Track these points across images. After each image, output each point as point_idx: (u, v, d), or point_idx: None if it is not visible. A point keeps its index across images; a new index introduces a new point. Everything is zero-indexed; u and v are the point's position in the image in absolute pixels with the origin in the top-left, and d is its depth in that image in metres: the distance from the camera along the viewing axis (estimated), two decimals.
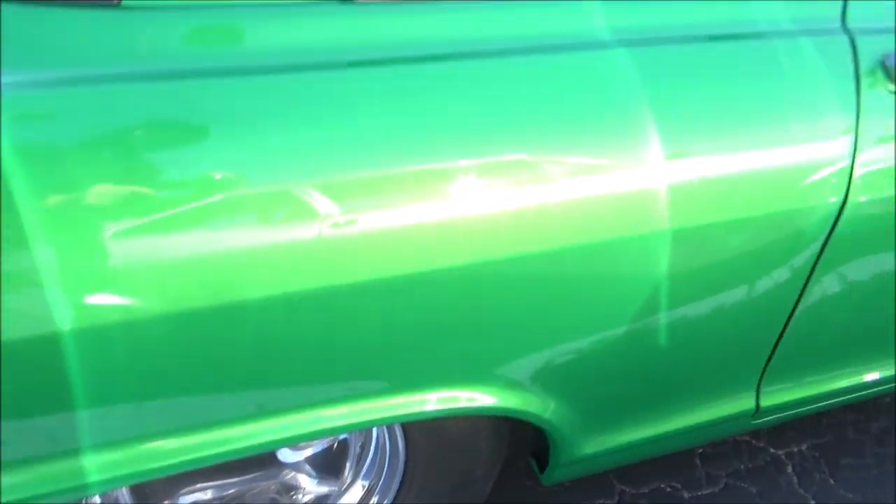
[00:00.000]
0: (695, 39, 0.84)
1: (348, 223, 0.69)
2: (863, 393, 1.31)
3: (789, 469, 1.51)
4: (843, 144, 0.91)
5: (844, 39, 0.91)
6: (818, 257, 1.00)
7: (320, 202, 0.68)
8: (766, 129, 0.87)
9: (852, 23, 0.92)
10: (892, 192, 0.97)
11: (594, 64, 0.79)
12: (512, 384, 0.87)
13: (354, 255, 0.70)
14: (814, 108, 0.89)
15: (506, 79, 0.75)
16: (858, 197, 0.95)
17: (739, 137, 0.86)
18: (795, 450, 1.57)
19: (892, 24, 0.95)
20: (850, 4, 0.93)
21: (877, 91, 0.92)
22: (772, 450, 1.56)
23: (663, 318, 0.93)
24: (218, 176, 0.64)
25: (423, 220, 0.72)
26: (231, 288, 0.66)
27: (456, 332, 0.80)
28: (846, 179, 0.93)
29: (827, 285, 1.04)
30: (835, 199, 0.94)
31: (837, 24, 0.92)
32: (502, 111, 0.75)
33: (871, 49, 0.92)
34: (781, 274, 0.99)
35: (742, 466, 1.51)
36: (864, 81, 0.91)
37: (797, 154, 0.90)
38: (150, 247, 0.64)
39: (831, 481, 1.49)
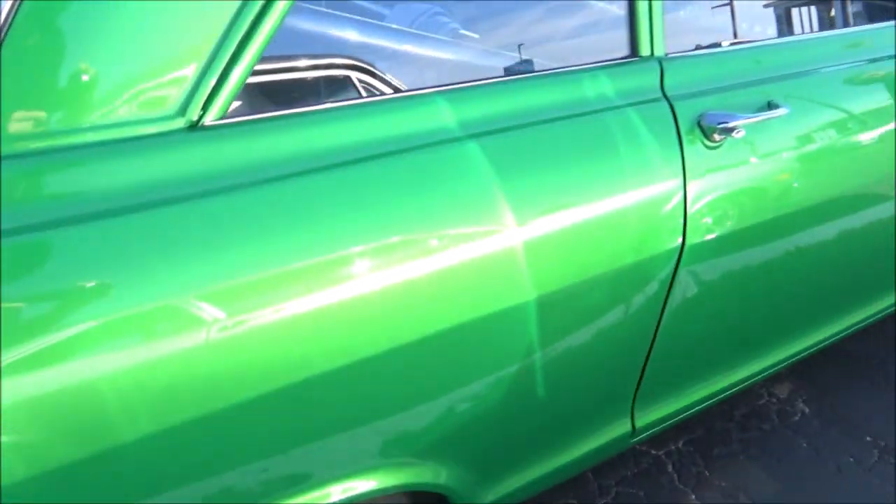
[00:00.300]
0: (536, 123, 0.92)
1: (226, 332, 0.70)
2: (731, 391, 1.47)
3: (669, 468, 1.66)
4: (675, 197, 1.03)
5: (665, 106, 1.03)
6: (668, 292, 1.12)
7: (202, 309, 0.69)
8: (608, 195, 0.97)
9: (670, 91, 1.05)
10: (720, 231, 1.11)
11: (447, 159, 0.85)
12: (403, 463, 0.91)
13: (235, 370, 0.72)
14: (646, 170, 1.00)
15: (364, 185, 0.80)
16: (694, 239, 1.08)
17: (586, 206, 0.95)
18: (673, 448, 1.72)
19: (704, 88, 1.08)
20: (667, 75, 1.05)
21: (697, 147, 1.04)
22: (653, 451, 1.70)
23: (535, 370, 1.00)
24: None
25: (297, 319, 0.75)
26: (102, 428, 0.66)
27: (341, 424, 0.83)
28: (681, 225, 1.05)
29: (680, 313, 1.17)
30: (676, 243, 1.06)
31: (658, 94, 1.04)
32: (363, 217, 0.79)
33: (688, 111, 1.04)
34: (639, 312, 1.10)
35: (629, 473, 1.64)
36: (686, 140, 1.03)
37: (638, 212, 1.00)
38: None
39: (706, 473, 1.65)
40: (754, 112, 1.10)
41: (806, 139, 1.17)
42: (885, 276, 1.63)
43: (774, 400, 1.89)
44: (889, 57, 1.34)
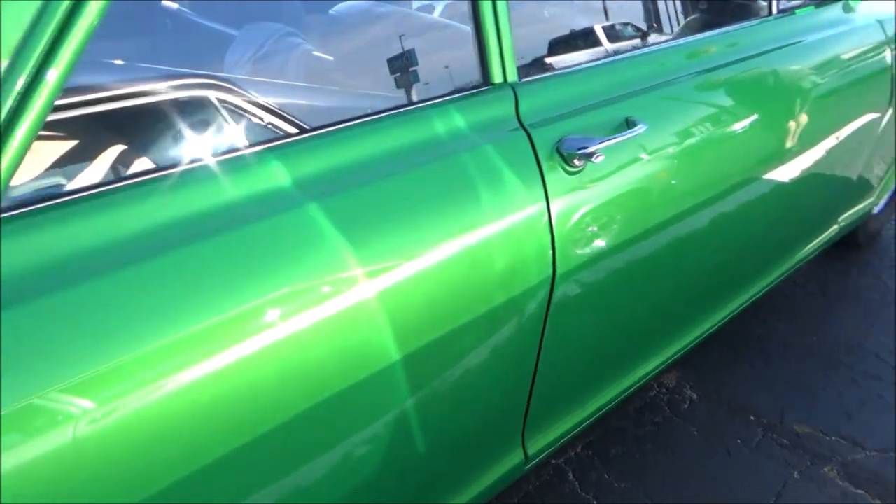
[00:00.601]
0: (383, 174, 0.85)
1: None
2: (623, 396, 1.47)
3: (570, 476, 1.66)
4: (541, 228, 1.00)
5: (522, 135, 0.99)
6: (545, 321, 1.09)
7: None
8: (469, 237, 0.92)
9: (526, 119, 1.01)
10: (590, 253, 1.09)
11: (286, 228, 0.77)
12: None
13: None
14: (508, 205, 0.96)
15: (196, 269, 0.70)
16: (565, 266, 1.05)
17: (446, 253, 0.90)
18: (572, 454, 1.73)
19: (561, 112, 1.05)
20: (522, 102, 1.01)
21: (558, 174, 1.01)
22: (553, 461, 1.70)
23: (414, 425, 0.95)
24: None
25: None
26: None
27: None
28: (550, 255, 1.02)
29: (559, 339, 1.15)
30: (547, 273, 1.03)
31: (514, 123, 0.99)
32: (199, 303, 0.70)
33: (546, 138, 1.01)
34: (517, 346, 1.07)
35: (530, 487, 1.63)
36: (546, 168, 1.00)
37: (503, 249, 0.96)
38: None
39: (606, 476, 1.66)
40: (613, 131, 1.08)
41: (665, 152, 1.17)
42: (756, 266, 1.70)
43: (664, 390, 1.93)
44: (738, 60, 1.36)
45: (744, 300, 1.71)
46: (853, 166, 1.88)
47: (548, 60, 1.11)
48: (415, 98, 0.98)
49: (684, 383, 1.95)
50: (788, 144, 1.50)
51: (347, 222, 0.80)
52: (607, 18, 1.34)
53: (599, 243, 1.10)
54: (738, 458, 1.69)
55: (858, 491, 1.57)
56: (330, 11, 1.45)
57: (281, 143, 0.81)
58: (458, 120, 0.94)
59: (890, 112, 1.88)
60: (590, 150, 0.98)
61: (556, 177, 1.01)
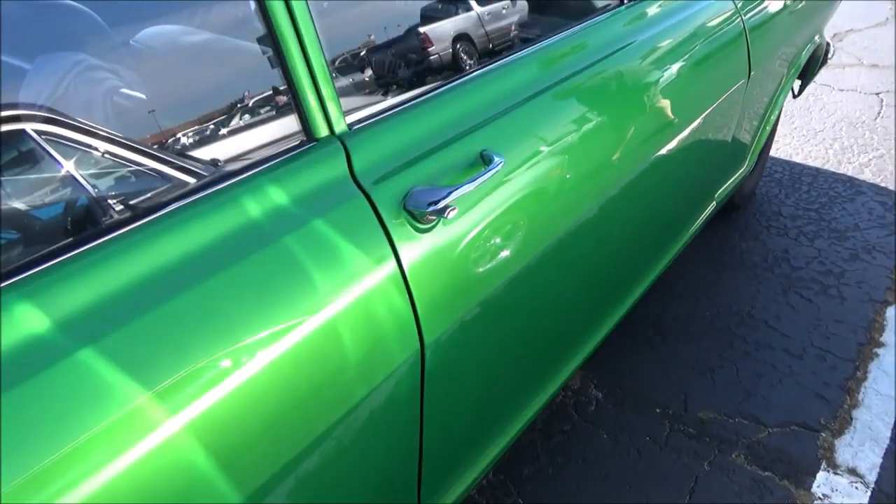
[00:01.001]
0: (178, 291, 0.69)
1: None
2: (525, 425, 1.38)
3: None
4: (399, 301, 0.87)
5: (360, 198, 0.85)
6: (422, 393, 0.96)
7: None
8: (311, 335, 0.77)
9: (363, 176, 0.86)
10: (460, 310, 0.97)
11: (64, 377, 0.59)
12: None
13: None
14: (352, 282, 0.82)
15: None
16: (433, 333, 0.93)
17: (285, 361, 0.75)
18: (484, 482, 1.63)
19: (404, 160, 0.91)
20: (355, 157, 0.86)
21: (408, 234, 0.88)
22: None
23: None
24: None
25: None
26: None
27: None
28: (414, 326, 0.90)
29: (442, 403, 1.03)
30: (414, 347, 0.91)
31: (349, 185, 0.85)
32: None
33: (389, 197, 0.87)
34: (396, 425, 0.95)
35: None
36: (393, 231, 0.86)
37: (357, 337, 0.82)
38: None
39: (520, 501, 1.58)
40: (469, 170, 0.95)
41: (529, 178, 1.05)
42: (641, 262, 1.64)
43: (570, 393, 1.87)
44: (597, 61, 1.27)
45: (634, 297, 1.66)
46: (723, 140, 1.86)
47: (379, 102, 0.95)
48: (220, 168, 0.81)
49: (588, 383, 1.90)
50: (659, 136, 1.44)
51: (125, 365, 0.63)
52: (450, 40, 1.20)
53: (470, 297, 0.98)
54: (649, 456, 1.65)
55: (766, 473, 1.57)
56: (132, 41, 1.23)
57: (22, 279, 0.62)
58: (276, 195, 0.78)
59: (748, 77, 1.87)
60: (440, 205, 0.85)
61: (407, 238, 0.87)
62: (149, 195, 0.74)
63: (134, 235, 0.68)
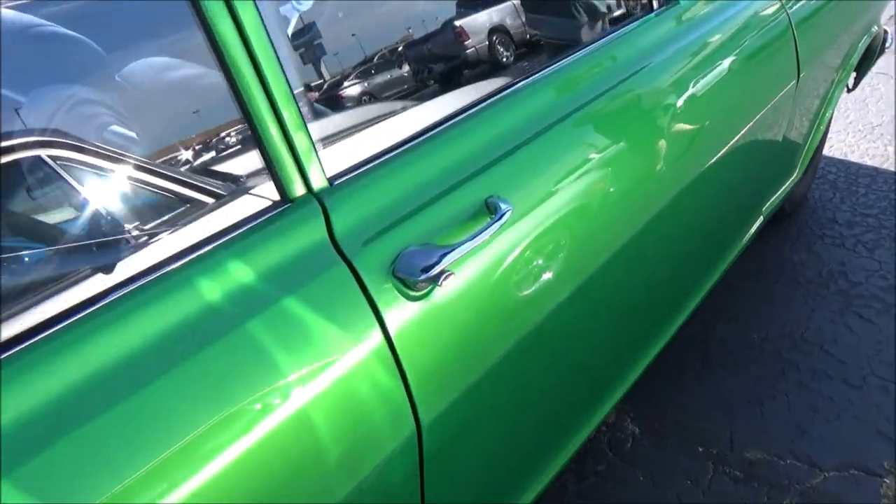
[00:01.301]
0: (138, 388, 0.59)
1: None
2: (549, 481, 1.26)
3: None
4: (389, 379, 0.75)
5: (341, 267, 0.74)
6: (421, 472, 0.85)
7: None
8: (290, 428, 0.67)
9: (344, 241, 0.75)
10: (460, 385, 0.85)
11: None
12: None
13: None
14: (331, 366, 0.71)
15: None
16: (429, 413, 0.81)
17: (261, 456, 0.64)
18: None
19: (393, 218, 0.79)
20: (335, 218, 0.75)
21: (397, 304, 0.76)
22: None
23: None
24: None
25: None
26: None
27: None
28: (407, 405, 0.78)
29: (443, 477, 0.91)
30: (410, 429, 0.79)
31: (329, 252, 0.74)
32: None
33: (374, 264, 0.75)
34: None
35: None
36: (380, 302, 0.75)
37: (343, 423, 0.71)
38: None
39: None
40: (468, 225, 0.83)
41: (544, 229, 0.93)
42: (682, 291, 1.50)
43: (604, 428, 1.74)
44: (627, 77, 1.12)
45: (675, 326, 1.51)
46: (770, 150, 1.69)
47: (365, 150, 0.83)
48: (184, 240, 0.70)
49: (624, 416, 1.76)
50: (697, 156, 1.29)
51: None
52: (445, 65, 1.07)
53: (474, 368, 0.86)
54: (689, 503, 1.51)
55: None
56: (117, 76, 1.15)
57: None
58: (242, 274, 0.67)
59: (797, 78, 1.69)
60: (434, 272, 0.73)
61: (395, 307, 0.76)
62: (81, 282, 0.64)
63: (61, 337, 0.58)
